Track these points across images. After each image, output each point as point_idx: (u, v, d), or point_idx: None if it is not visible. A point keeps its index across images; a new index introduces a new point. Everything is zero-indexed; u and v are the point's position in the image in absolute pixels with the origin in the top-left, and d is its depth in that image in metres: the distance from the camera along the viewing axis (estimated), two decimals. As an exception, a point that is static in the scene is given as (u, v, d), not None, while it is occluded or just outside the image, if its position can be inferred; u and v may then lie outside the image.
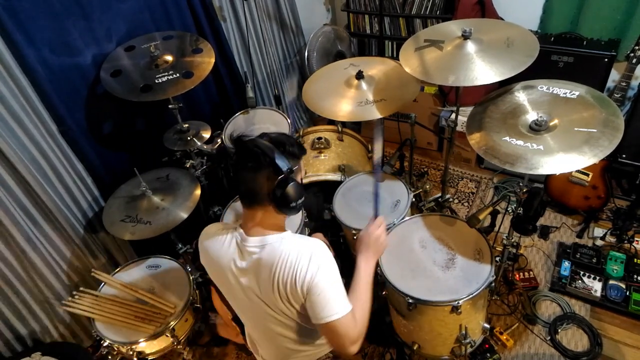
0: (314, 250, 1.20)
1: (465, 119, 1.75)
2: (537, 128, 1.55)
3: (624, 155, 2.45)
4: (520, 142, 1.53)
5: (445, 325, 1.69)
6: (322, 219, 2.42)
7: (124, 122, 2.29)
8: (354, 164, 2.45)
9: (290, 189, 1.17)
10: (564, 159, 1.43)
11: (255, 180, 1.19)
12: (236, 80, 2.84)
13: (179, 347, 1.93)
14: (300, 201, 1.22)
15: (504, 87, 1.74)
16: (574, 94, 1.63)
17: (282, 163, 1.16)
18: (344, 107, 2.01)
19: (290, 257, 1.18)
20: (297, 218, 2.00)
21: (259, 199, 1.22)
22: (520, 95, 1.71)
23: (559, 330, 2.11)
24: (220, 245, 1.30)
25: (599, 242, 2.43)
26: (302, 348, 1.44)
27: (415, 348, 1.83)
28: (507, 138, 1.56)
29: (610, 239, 2.42)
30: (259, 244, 1.24)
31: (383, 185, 2.12)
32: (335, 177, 2.33)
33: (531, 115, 1.61)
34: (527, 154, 1.48)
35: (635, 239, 2.38)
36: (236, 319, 1.55)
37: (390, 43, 3.24)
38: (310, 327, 1.36)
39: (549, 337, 2.10)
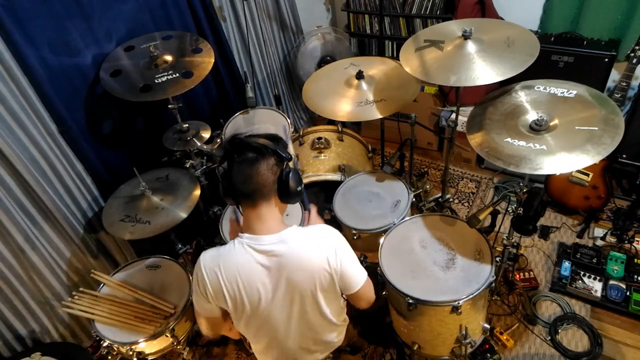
0: (330, 238, 1.31)
1: (466, 119, 1.75)
2: (537, 128, 1.54)
3: (624, 155, 2.44)
4: (522, 143, 1.52)
5: (445, 326, 1.69)
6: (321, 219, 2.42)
7: (123, 122, 2.29)
8: (354, 164, 2.45)
9: (293, 174, 1.26)
10: (568, 158, 1.43)
11: (259, 172, 1.22)
12: (236, 80, 2.84)
13: (178, 347, 1.93)
14: (302, 185, 1.33)
15: (502, 87, 1.74)
16: (571, 93, 1.63)
17: (283, 151, 1.26)
18: (344, 107, 2.01)
19: (316, 251, 1.27)
20: (297, 218, 2.00)
21: (264, 192, 1.25)
22: (519, 96, 1.71)
23: (559, 331, 2.11)
24: (230, 254, 1.27)
25: (600, 242, 2.42)
26: (314, 348, 1.47)
27: (415, 348, 1.82)
28: (508, 139, 1.56)
29: (611, 239, 2.42)
30: (276, 240, 1.26)
31: (383, 185, 2.12)
32: (335, 177, 2.33)
33: (531, 116, 1.61)
34: (531, 154, 1.48)
35: (636, 239, 2.37)
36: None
37: (390, 43, 3.24)
38: (326, 320, 1.40)
39: (549, 338, 2.10)
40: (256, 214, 1.27)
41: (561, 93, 1.64)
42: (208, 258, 1.30)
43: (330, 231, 1.34)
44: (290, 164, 1.31)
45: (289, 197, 1.30)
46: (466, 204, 2.86)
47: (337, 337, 1.52)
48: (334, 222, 2.06)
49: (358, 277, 1.36)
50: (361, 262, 2.01)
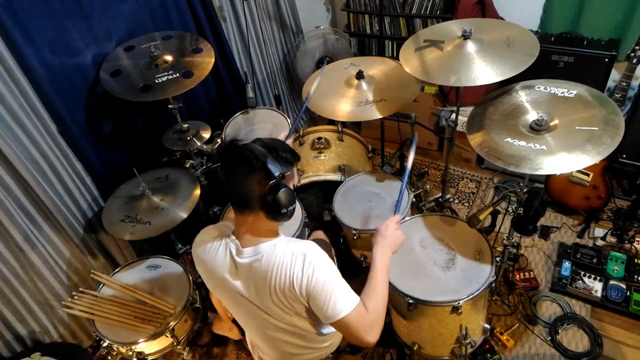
0: (306, 252, 1.20)
1: (466, 119, 1.75)
2: (537, 128, 1.54)
3: (624, 155, 2.44)
4: (522, 143, 1.52)
5: (445, 326, 1.69)
6: (322, 219, 2.42)
7: (123, 122, 2.29)
8: (354, 164, 2.44)
9: (282, 195, 1.16)
10: (568, 158, 1.43)
11: (247, 184, 1.18)
12: (236, 80, 2.84)
13: (178, 347, 1.93)
14: (291, 208, 1.21)
15: (503, 87, 1.74)
16: (571, 93, 1.63)
17: (274, 168, 1.15)
18: (344, 107, 2.01)
19: (285, 263, 1.19)
20: (297, 218, 2.00)
21: (250, 204, 1.21)
22: (519, 96, 1.70)
23: (560, 331, 2.11)
24: (215, 255, 1.30)
25: (600, 243, 2.42)
26: (302, 352, 1.45)
27: (415, 348, 1.82)
28: (508, 139, 1.55)
29: (611, 239, 2.42)
30: (253, 253, 1.24)
31: (383, 185, 2.12)
32: (335, 177, 2.33)
33: (531, 116, 1.60)
34: (531, 154, 1.48)
35: (636, 239, 2.37)
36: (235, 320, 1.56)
37: (390, 43, 3.24)
38: (310, 332, 1.37)
39: (549, 338, 2.10)
40: (242, 220, 1.26)
41: (561, 93, 1.64)
42: (198, 249, 1.35)
43: (309, 250, 1.22)
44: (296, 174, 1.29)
45: (275, 216, 1.19)
46: (466, 204, 2.86)
47: (327, 342, 1.50)
48: (334, 222, 2.06)
49: (334, 308, 1.16)
50: (361, 263, 2.04)
